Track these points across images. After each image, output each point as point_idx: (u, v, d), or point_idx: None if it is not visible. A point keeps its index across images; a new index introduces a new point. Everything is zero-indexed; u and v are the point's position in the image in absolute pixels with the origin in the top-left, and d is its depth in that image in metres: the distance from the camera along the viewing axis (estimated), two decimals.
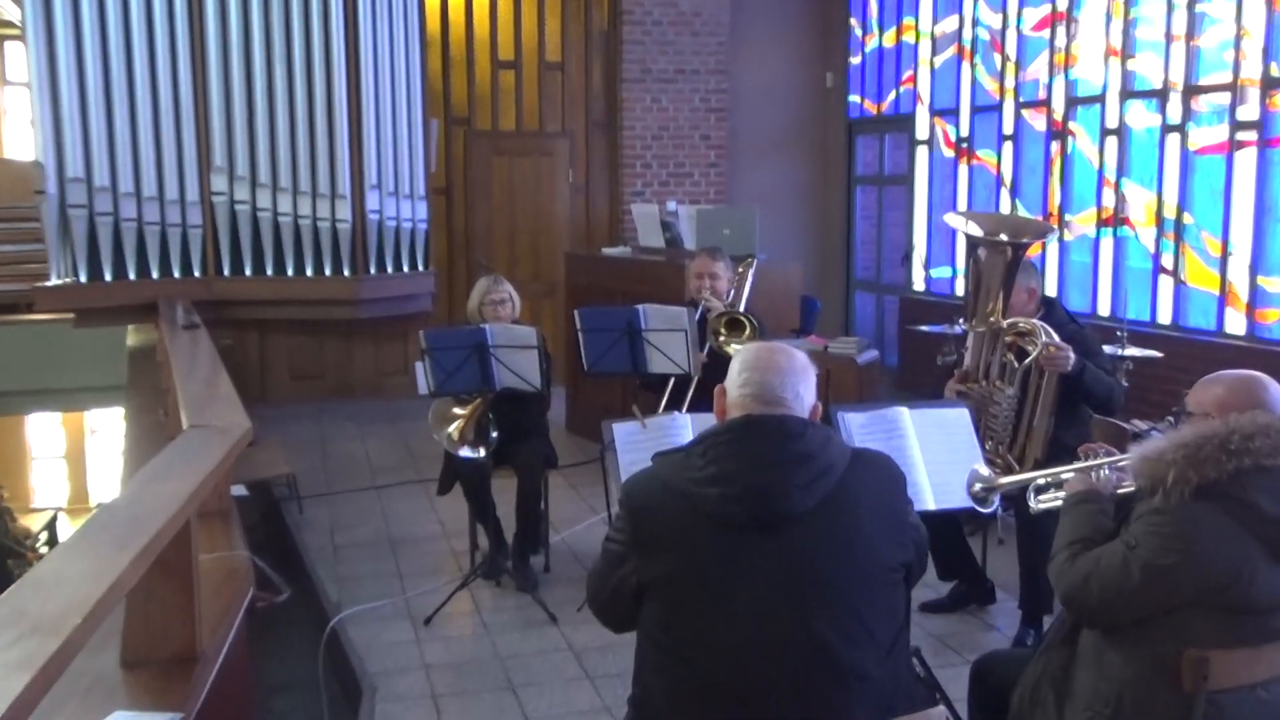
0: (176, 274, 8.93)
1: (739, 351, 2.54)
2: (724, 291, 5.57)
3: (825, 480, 2.33)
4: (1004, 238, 4.47)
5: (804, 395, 2.44)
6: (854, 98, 10.99)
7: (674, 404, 5.14)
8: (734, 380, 2.47)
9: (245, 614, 3.53)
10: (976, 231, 4.53)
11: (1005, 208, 9.01)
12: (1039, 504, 3.14)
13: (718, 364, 5.17)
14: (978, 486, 3.25)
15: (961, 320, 4.71)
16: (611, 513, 4.51)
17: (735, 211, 8.58)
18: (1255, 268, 7.13)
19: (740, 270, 5.77)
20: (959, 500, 3.43)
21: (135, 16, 8.56)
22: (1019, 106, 8.91)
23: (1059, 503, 3.03)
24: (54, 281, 8.51)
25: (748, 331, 5.22)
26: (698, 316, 5.33)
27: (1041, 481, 3.16)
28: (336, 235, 9.07)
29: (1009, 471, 4.34)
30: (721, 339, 5.23)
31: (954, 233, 9.64)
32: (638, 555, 2.36)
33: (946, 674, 4.18)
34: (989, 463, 4.29)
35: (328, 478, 7.43)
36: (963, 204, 9.51)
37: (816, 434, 2.37)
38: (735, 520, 2.29)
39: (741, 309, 5.44)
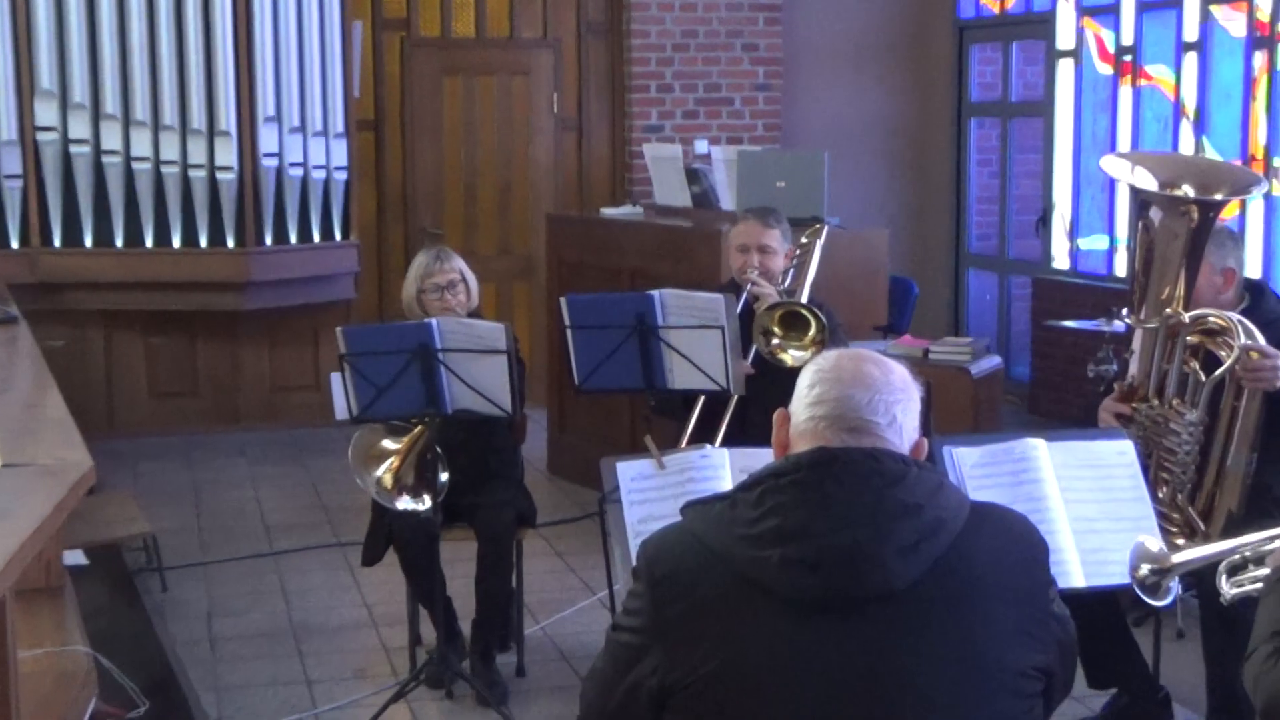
0: None
1: (811, 361, 2.55)
2: (778, 272, 5.56)
3: (933, 543, 2.34)
4: (1188, 192, 4.46)
5: (902, 422, 2.45)
6: None
7: (703, 434, 5.14)
8: (802, 398, 2.48)
9: None
10: (1148, 184, 4.52)
11: (1187, 148, 9.00)
12: (1232, 590, 3.12)
13: (767, 378, 5.16)
14: (1145, 569, 3.22)
15: (1125, 312, 4.70)
16: (614, 591, 4.50)
17: (794, 156, 8.56)
18: None
19: (804, 241, 5.76)
20: (1119, 574, 3.42)
21: None
22: (1206, 2, 8.89)
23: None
24: None
25: (813, 331, 5.19)
26: (740, 308, 5.32)
27: (1237, 555, 3.14)
28: (216, 189, 9.08)
29: (1188, 530, 4.33)
30: (775, 342, 5.21)
31: (1113, 185, 9.61)
32: (662, 647, 2.37)
33: None
34: (1161, 518, 4.28)
35: (204, 540, 7.44)
36: (1125, 143, 9.50)
37: (923, 477, 2.39)
38: (805, 595, 2.31)
39: (804, 298, 5.43)
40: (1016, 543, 2.44)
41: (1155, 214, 4.49)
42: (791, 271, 5.65)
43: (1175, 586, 3.24)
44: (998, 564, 2.39)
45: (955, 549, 2.35)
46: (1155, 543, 3.28)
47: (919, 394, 2.50)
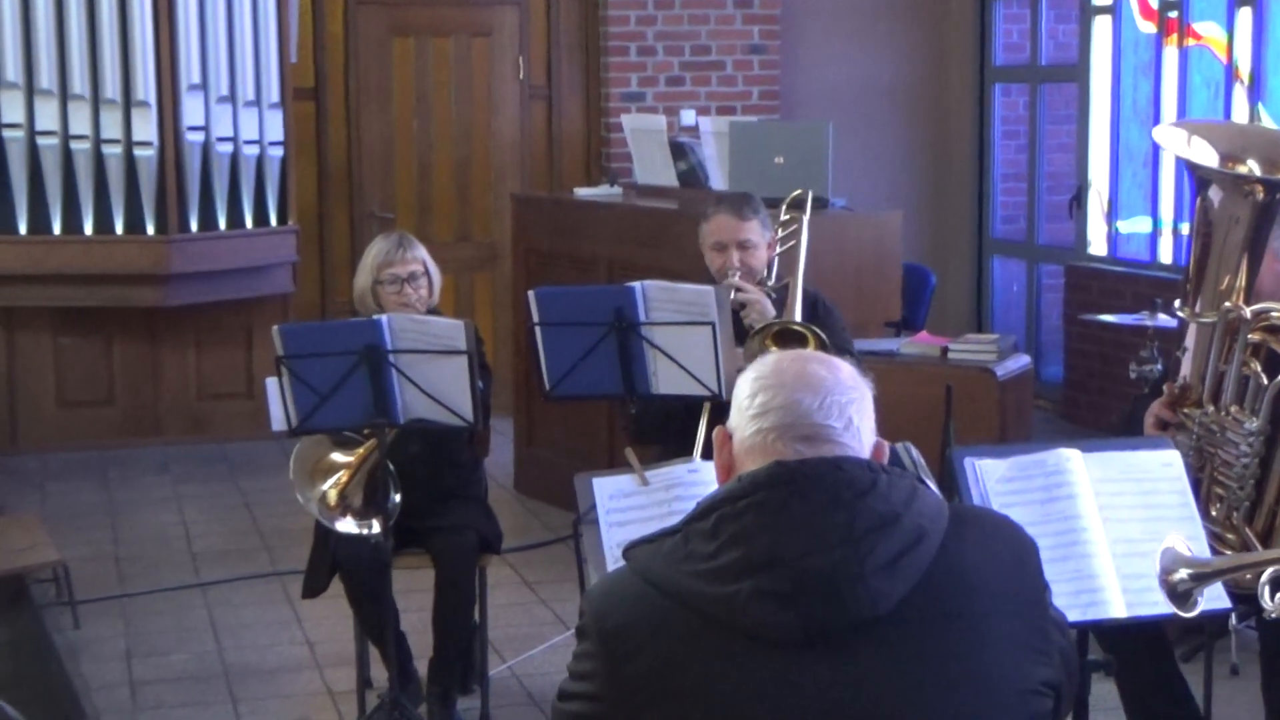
0: None
1: (747, 369, 2.56)
2: (762, 266, 5.53)
3: (917, 556, 2.36)
4: (1252, 169, 4.46)
5: (859, 424, 2.47)
6: None
7: (682, 446, 5.10)
8: (744, 410, 2.49)
9: None
10: (1206, 159, 4.52)
11: (1241, 116, 9.02)
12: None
13: None
14: (1181, 574, 3.23)
15: (1178, 304, 4.70)
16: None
17: (793, 128, 8.56)
18: None
19: (785, 219, 5.73)
20: (1165, 603, 3.43)
21: None
22: None
23: None
24: None
25: (810, 347, 5.18)
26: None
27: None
28: (134, 168, 9.06)
29: (1245, 552, 4.34)
30: None
31: (1157, 160, 9.63)
32: (625, 711, 2.37)
33: None
34: (1214, 539, 4.29)
35: (121, 570, 7.42)
36: (1170, 111, 9.51)
37: (895, 483, 2.41)
38: (782, 630, 2.32)
39: (797, 306, 5.37)
40: (1004, 545, 2.47)
41: (1215, 194, 4.49)
42: (774, 263, 5.62)
43: (1203, 598, 3.25)
44: (988, 571, 2.42)
45: (940, 560, 2.37)
46: (1185, 546, 3.28)
47: (870, 391, 2.53)
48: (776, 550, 2.32)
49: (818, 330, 5.17)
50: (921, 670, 2.32)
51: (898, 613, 2.32)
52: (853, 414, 2.46)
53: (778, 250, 5.63)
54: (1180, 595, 3.24)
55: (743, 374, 2.55)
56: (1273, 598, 3.15)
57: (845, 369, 2.51)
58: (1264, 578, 3.17)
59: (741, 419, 2.48)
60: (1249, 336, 4.46)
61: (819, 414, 2.43)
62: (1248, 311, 4.45)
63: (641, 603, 2.39)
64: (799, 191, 5.84)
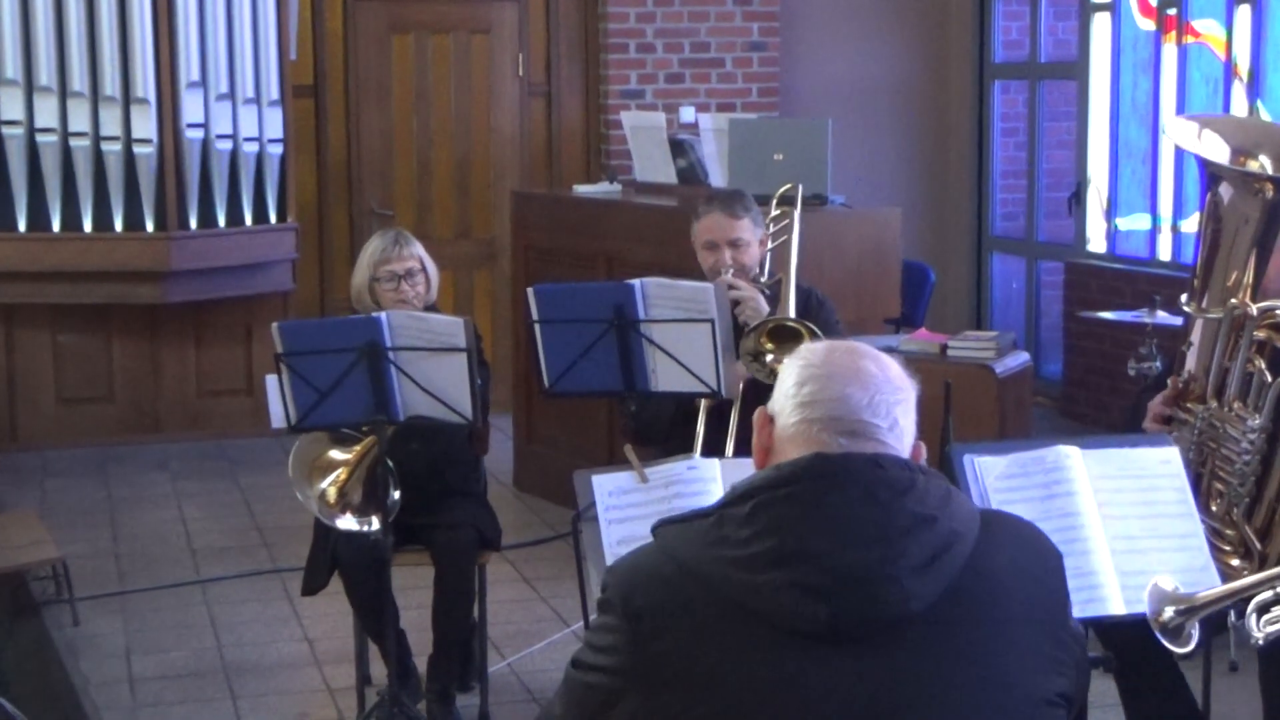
0: None
1: (795, 354, 2.55)
2: (754, 264, 5.52)
3: (949, 559, 2.35)
4: (1265, 166, 4.45)
5: (903, 424, 2.47)
6: None
7: (681, 446, 5.09)
8: (790, 397, 2.48)
9: None
10: (1217, 153, 4.50)
11: (1240, 114, 9.01)
12: (1266, 628, 3.12)
13: (759, 400, 5.12)
14: (1168, 612, 3.21)
15: (1185, 299, 4.69)
16: (591, 621, 4.50)
17: (793, 125, 8.56)
18: None
19: (776, 214, 5.71)
20: None
21: None
22: None
23: None
24: None
25: (805, 343, 5.15)
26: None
27: (1270, 591, 3.14)
28: (133, 165, 9.05)
29: (1242, 549, 4.33)
30: (769, 359, 5.15)
31: (1156, 157, 9.63)
32: (644, 690, 2.36)
33: None
34: (1213, 535, 4.28)
35: (121, 566, 7.43)
36: (1169, 108, 9.51)
37: (932, 485, 2.40)
38: (809, 625, 2.30)
39: (791, 303, 5.36)
40: (1032, 553, 2.48)
41: (1225, 190, 4.47)
42: (766, 260, 5.60)
43: (1196, 631, 3.23)
44: (1016, 579, 2.42)
45: (970, 565, 2.37)
46: (1169, 580, 3.27)
47: (916, 391, 2.53)
48: (810, 543, 2.32)
49: (812, 326, 5.16)
50: (942, 673, 2.32)
51: (925, 614, 2.32)
52: (898, 414, 2.46)
53: (770, 246, 5.62)
54: (1172, 631, 3.24)
55: (790, 358, 2.54)
56: (1258, 623, 3.15)
57: (895, 367, 2.51)
58: (1250, 606, 3.16)
59: (786, 404, 2.47)
60: (1254, 333, 4.46)
61: (866, 411, 2.43)
62: (1254, 308, 4.44)
63: (669, 584, 2.38)
64: (789, 186, 5.83)
